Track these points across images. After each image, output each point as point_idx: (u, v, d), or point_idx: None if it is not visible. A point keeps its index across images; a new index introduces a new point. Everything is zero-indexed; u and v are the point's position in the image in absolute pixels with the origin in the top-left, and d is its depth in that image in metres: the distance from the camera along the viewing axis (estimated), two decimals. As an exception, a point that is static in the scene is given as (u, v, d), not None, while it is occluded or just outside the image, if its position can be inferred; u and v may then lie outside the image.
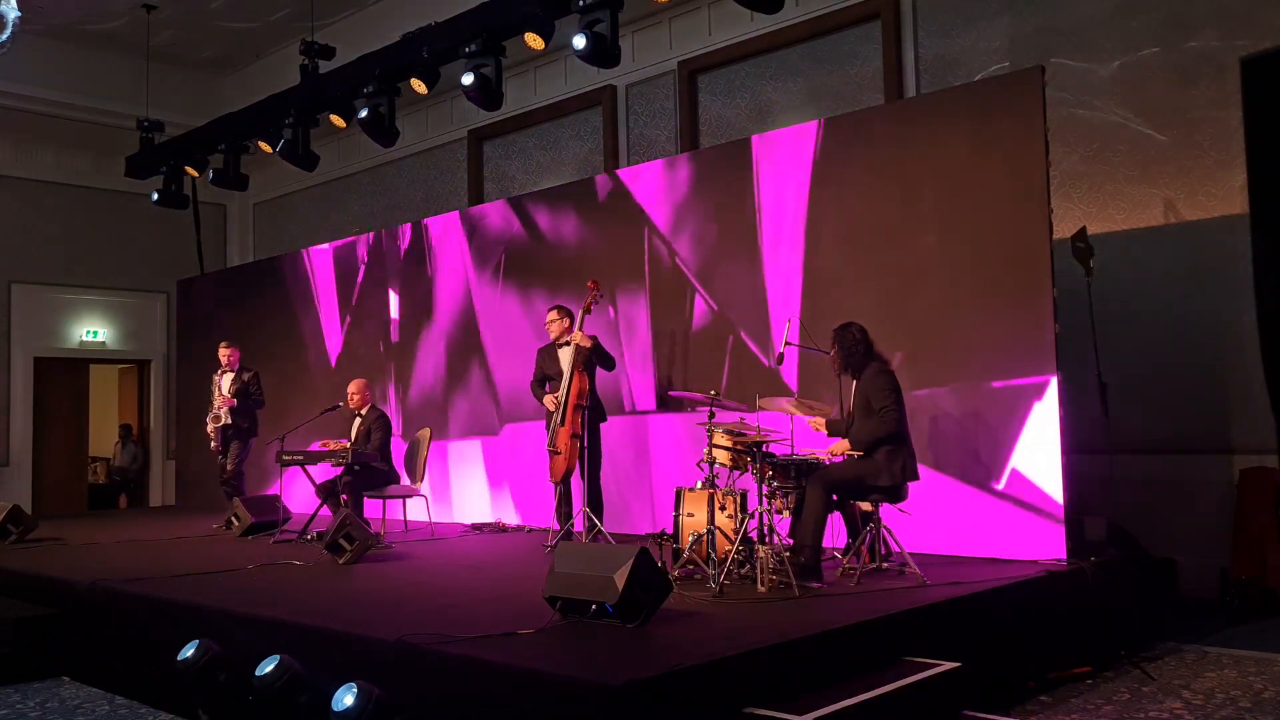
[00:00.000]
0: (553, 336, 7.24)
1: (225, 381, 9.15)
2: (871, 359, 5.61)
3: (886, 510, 5.65)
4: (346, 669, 4.01)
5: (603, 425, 7.14)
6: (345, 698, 3.80)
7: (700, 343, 7.57)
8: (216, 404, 9.11)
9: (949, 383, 6.31)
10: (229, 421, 9.05)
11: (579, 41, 6.63)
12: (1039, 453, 5.91)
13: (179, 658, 4.55)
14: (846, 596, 4.96)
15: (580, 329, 6.86)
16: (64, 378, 13.18)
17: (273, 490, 9.51)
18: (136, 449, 14.78)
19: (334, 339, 10.60)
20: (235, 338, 9.61)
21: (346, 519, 6.60)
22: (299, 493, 9.39)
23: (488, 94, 7.45)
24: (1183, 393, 6.96)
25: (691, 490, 5.75)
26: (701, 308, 7.60)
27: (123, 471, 14.68)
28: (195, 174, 10.67)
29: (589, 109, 10.44)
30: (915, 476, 5.54)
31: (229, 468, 9.14)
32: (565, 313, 7.26)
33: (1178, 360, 6.99)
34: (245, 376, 9.14)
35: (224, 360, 9.20)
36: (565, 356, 7.13)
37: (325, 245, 10.93)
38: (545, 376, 7.26)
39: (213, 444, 9.23)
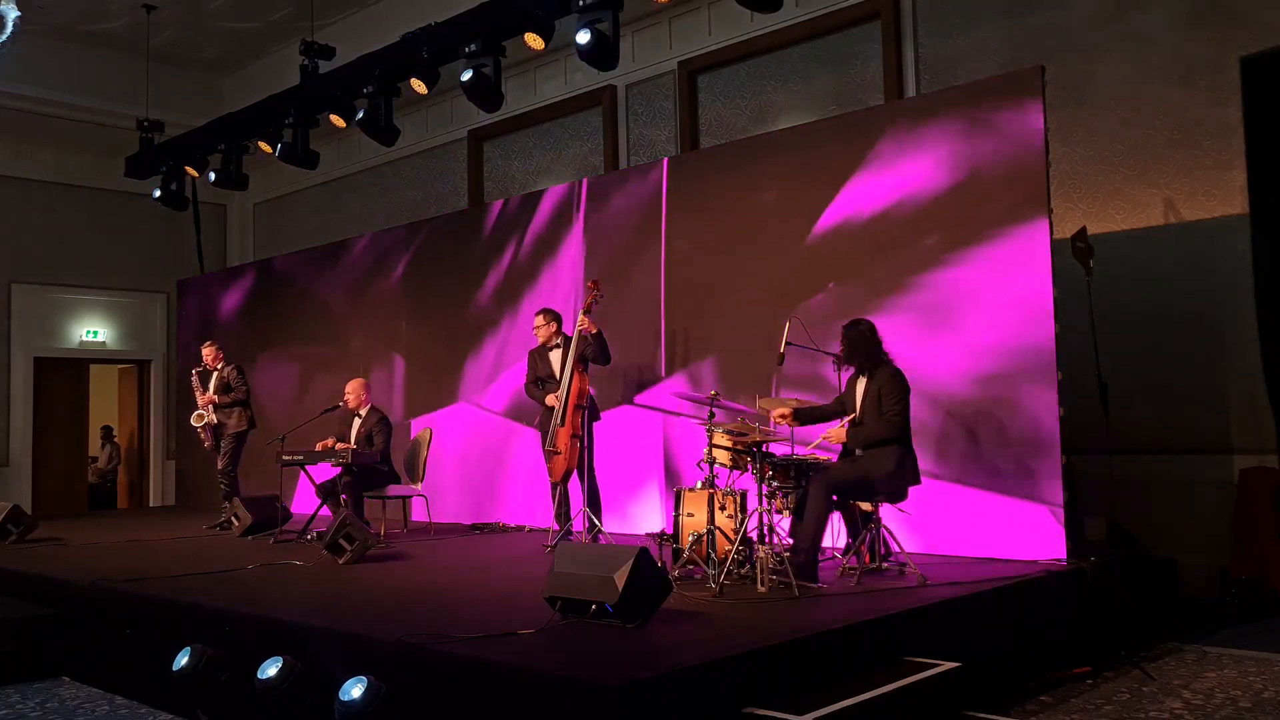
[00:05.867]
0: (540, 341, 7.27)
1: (211, 381, 9.17)
2: (884, 358, 5.60)
3: (886, 510, 5.65)
4: (347, 669, 4.01)
5: (595, 425, 7.15)
6: (354, 689, 3.84)
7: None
8: (200, 403, 9.13)
9: (948, 383, 6.31)
10: (214, 420, 9.06)
11: (582, 37, 6.62)
12: (1039, 453, 5.91)
13: (174, 667, 4.55)
14: (846, 596, 4.97)
15: (578, 328, 6.86)
16: (64, 378, 13.16)
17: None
18: (113, 449, 14.80)
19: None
20: (228, 338, 9.60)
21: (346, 519, 6.60)
22: (298, 492, 9.41)
23: (488, 94, 7.45)
24: (1183, 393, 6.96)
25: (691, 490, 5.75)
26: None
27: (101, 472, 14.72)
28: (195, 174, 10.67)
29: (589, 109, 10.43)
30: (917, 480, 5.53)
31: (219, 465, 9.15)
32: (552, 316, 7.30)
33: (1178, 360, 6.99)
34: (226, 372, 9.15)
35: (207, 359, 9.23)
36: (555, 359, 7.16)
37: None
38: (538, 378, 7.28)
39: (205, 443, 9.25)
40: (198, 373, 9.25)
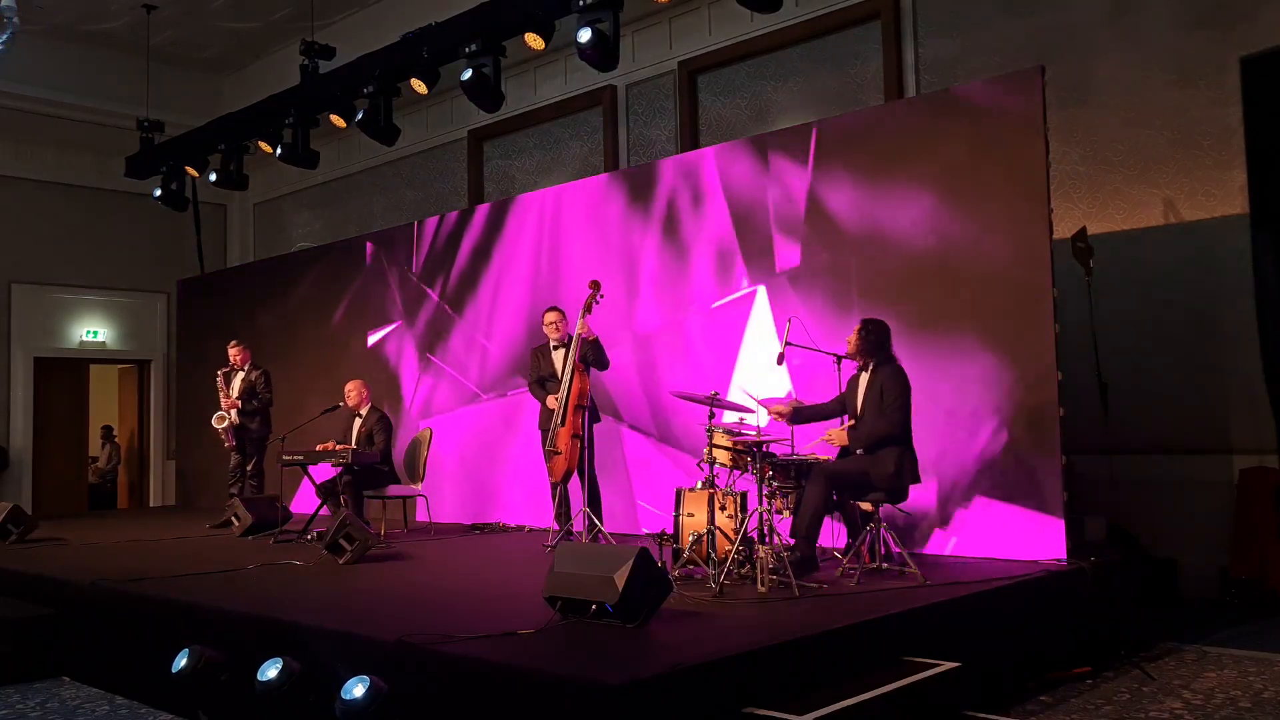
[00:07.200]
0: (552, 338, 7.25)
1: (236, 382, 9.12)
2: (890, 357, 5.63)
3: (886, 510, 5.65)
4: (347, 669, 4.02)
5: (596, 426, 7.14)
6: (355, 688, 3.84)
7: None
8: (224, 405, 9.09)
9: (949, 383, 6.31)
10: (237, 421, 9.04)
11: (583, 35, 6.62)
12: (1039, 453, 5.91)
13: (173, 669, 4.55)
14: (846, 596, 4.97)
15: (580, 328, 6.85)
16: (64, 378, 13.16)
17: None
18: (113, 449, 14.79)
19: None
20: (245, 337, 9.58)
21: (346, 519, 6.60)
22: (298, 492, 9.40)
23: (488, 94, 7.45)
24: (1183, 393, 6.96)
25: (691, 490, 5.75)
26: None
27: (101, 472, 14.73)
28: (195, 174, 10.67)
29: (589, 109, 10.43)
30: (917, 479, 5.54)
31: (248, 468, 9.11)
32: (564, 315, 7.28)
33: (1178, 360, 6.99)
34: (253, 375, 9.11)
35: (234, 359, 9.16)
36: (559, 358, 7.14)
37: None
38: (541, 377, 7.27)
39: (226, 443, 9.22)
40: (223, 374, 9.20)
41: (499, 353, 9.09)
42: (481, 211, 9.46)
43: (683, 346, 7.79)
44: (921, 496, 5.91)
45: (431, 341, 9.71)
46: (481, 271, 9.30)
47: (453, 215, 9.76)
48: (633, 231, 8.15)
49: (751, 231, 7.40)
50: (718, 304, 7.59)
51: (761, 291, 7.30)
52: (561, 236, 8.72)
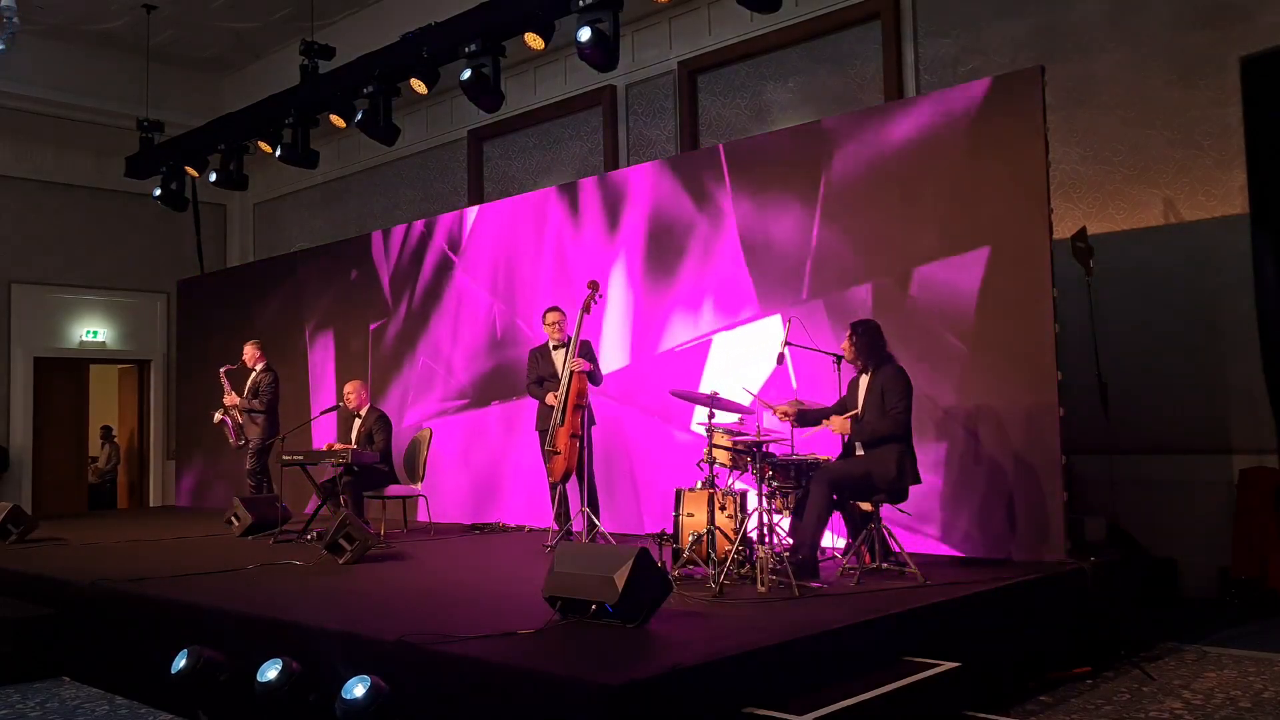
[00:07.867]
0: (553, 338, 7.25)
1: (247, 383, 9.09)
2: (888, 357, 5.63)
3: (887, 510, 5.65)
4: (347, 669, 4.02)
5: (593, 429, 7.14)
6: (356, 688, 3.84)
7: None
8: (225, 401, 9.08)
9: (949, 383, 6.31)
10: (237, 419, 9.02)
11: (583, 34, 6.62)
12: (1039, 453, 5.91)
13: (172, 670, 4.55)
14: (846, 596, 4.97)
15: (579, 329, 6.86)
16: (64, 378, 13.16)
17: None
18: (113, 450, 14.80)
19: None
20: (252, 337, 9.56)
21: (346, 519, 6.60)
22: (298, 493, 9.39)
23: (487, 94, 7.46)
24: (1183, 393, 6.96)
25: (691, 490, 5.75)
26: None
27: (101, 472, 14.74)
28: (195, 174, 10.68)
29: (589, 109, 10.43)
30: (917, 479, 5.54)
31: (247, 468, 9.11)
32: (565, 315, 7.29)
33: (1178, 360, 6.99)
34: (259, 377, 9.08)
35: (246, 359, 9.13)
36: (559, 358, 7.14)
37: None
38: (540, 377, 7.26)
39: (232, 441, 9.20)
40: (226, 371, 9.17)
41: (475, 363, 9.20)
42: (498, 206, 9.45)
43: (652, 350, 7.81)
44: (922, 496, 5.91)
45: (430, 342, 9.71)
46: (502, 264, 9.28)
47: (449, 216, 9.78)
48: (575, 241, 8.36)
49: (758, 245, 7.41)
50: (680, 347, 7.70)
51: (774, 318, 7.31)
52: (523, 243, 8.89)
